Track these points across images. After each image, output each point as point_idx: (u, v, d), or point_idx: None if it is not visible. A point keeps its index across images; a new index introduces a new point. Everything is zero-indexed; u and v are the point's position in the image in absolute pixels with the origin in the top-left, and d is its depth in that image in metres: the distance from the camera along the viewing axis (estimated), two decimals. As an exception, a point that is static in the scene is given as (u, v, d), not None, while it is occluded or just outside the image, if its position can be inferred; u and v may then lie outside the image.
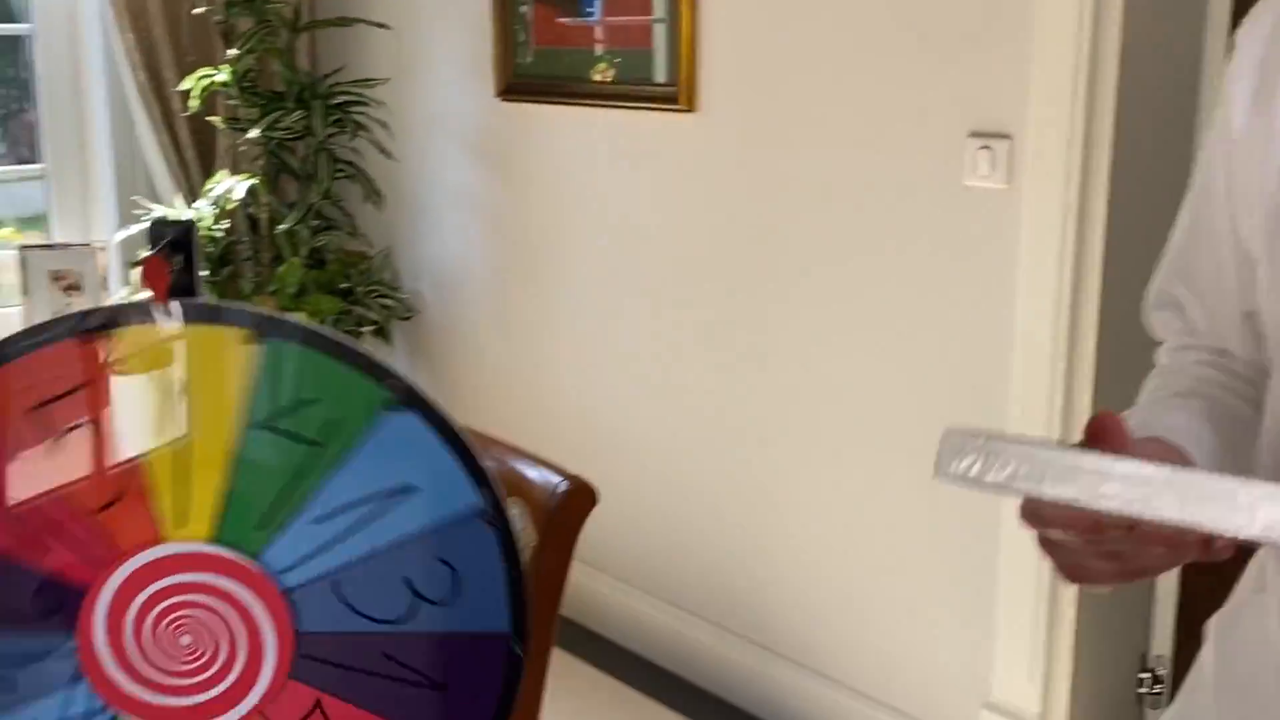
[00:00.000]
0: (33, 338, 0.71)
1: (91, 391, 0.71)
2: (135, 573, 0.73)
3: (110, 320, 0.72)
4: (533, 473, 1.35)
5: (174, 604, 0.73)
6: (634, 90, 2.80)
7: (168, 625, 0.73)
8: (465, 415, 2.87)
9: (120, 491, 0.72)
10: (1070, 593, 2.21)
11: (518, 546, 0.73)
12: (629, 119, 2.83)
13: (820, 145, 2.45)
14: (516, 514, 0.85)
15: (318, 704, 0.74)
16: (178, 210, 3.34)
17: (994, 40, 2.15)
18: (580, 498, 1.22)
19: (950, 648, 2.38)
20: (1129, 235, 2.09)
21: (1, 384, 0.70)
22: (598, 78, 2.88)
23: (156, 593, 0.73)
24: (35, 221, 3.74)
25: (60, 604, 0.73)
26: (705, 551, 2.84)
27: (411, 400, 0.71)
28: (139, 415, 0.73)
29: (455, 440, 0.73)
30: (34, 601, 0.74)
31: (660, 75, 2.74)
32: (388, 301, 3.40)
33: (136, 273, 3.36)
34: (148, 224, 3.33)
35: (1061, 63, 2.05)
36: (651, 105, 2.75)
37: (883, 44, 2.32)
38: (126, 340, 0.71)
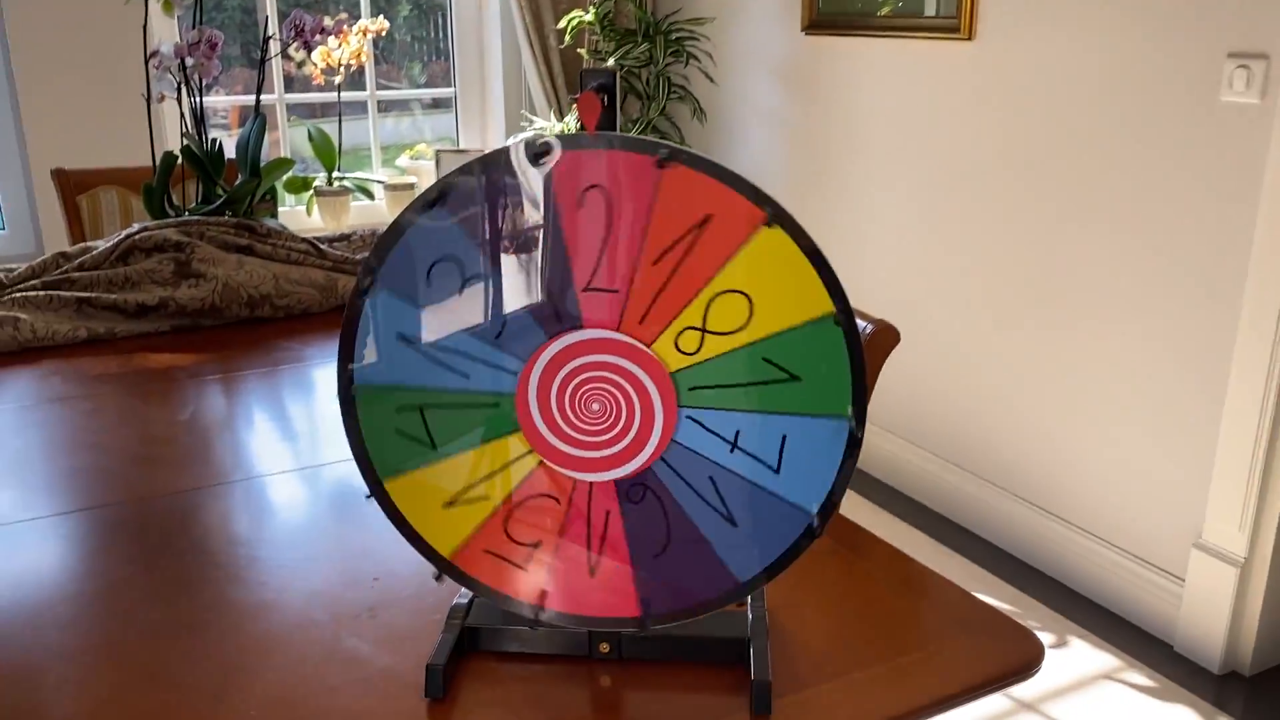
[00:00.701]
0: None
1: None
2: (557, 355, 0.73)
3: (545, 149, 0.71)
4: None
5: (586, 378, 0.73)
6: (916, 22, 2.62)
7: (582, 395, 0.73)
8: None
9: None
10: (1285, 459, 1.99)
11: (859, 340, 0.69)
12: (911, 46, 2.66)
13: (1088, 65, 2.23)
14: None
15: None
16: (552, 124, 3.41)
17: (1259, -32, 1.88)
18: (885, 336, 1.17)
19: (1170, 495, 2.20)
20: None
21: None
22: (888, 12, 2.72)
23: (573, 369, 0.73)
24: (445, 142, 3.91)
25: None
26: (960, 409, 2.72)
27: (779, 216, 0.67)
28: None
29: (813, 253, 0.69)
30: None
31: (931, 9, 2.56)
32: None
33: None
34: (530, 133, 3.41)
35: (1325, -13, 1.77)
36: (932, 35, 2.58)
37: (1150, -24, 2.07)
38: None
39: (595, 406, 0.72)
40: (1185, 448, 2.14)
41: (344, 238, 1.96)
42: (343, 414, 0.75)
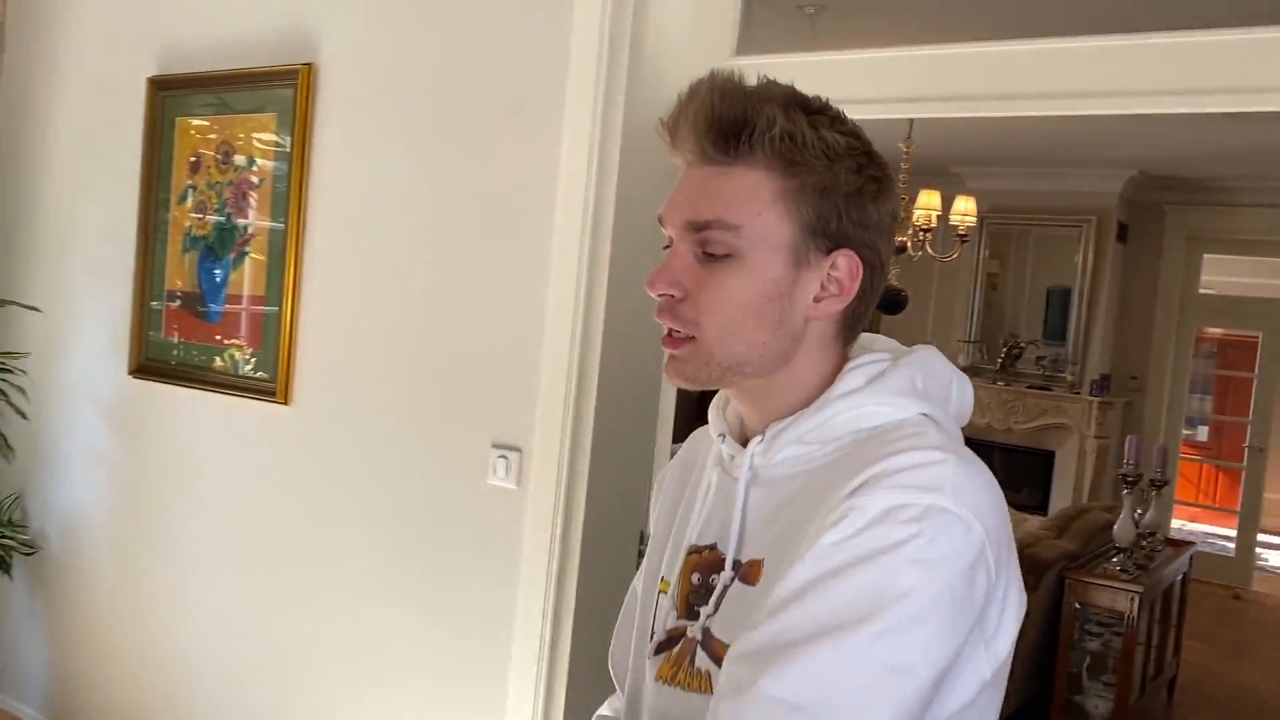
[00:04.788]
0: None
1: None
2: None
3: None
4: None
5: None
6: (238, 380, 2.74)
7: None
8: (77, 639, 2.60)
9: None
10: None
11: None
12: (237, 405, 2.76)
13: (380, 440, 2.48)
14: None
15: None
16: None
17: (511, 373, 2.28)
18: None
19: None
20: (601, 525, 2.23)
21: None
22: (216, 366, 2.80)
23: None
24: None
25: None
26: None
27: None
28: None
29: None
30: None
31: (259, 373, 2.70)
32: (10, 540, 3.06)
33: None
34: None
35: (556, 395, 2.19)
36: (253, 395, 2.70)
37: (427, 366, 2.40)
38: None
39: None
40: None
41: None
42: None
